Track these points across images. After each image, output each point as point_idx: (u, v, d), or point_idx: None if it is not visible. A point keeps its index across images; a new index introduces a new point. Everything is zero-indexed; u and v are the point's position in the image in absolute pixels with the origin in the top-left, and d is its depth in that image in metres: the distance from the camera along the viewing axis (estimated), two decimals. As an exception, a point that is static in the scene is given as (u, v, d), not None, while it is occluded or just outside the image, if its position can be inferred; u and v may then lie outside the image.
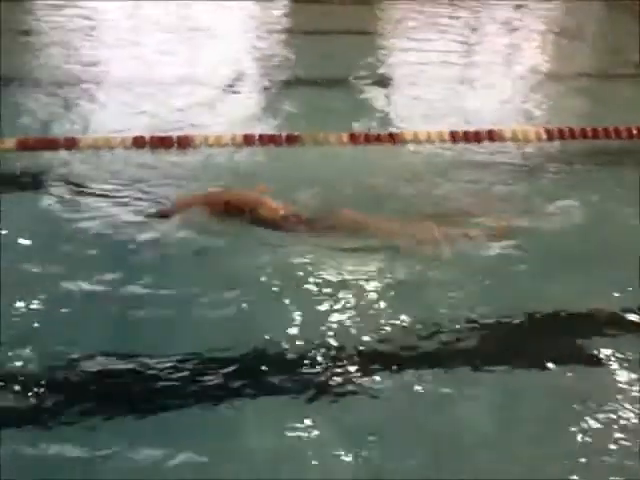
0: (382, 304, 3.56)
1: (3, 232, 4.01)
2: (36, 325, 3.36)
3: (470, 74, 7.54)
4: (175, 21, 9.08)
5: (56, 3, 9.07)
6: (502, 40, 8.92)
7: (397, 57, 7.95)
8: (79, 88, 6.34)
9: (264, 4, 9.88)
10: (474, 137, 5.26)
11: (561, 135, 5.27)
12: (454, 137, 5.24)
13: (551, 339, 3.42)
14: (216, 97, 6.31)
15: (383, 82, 6.96)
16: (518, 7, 10.00)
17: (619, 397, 3.04)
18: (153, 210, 4.26)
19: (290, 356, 3.20)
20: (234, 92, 6.51)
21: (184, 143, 5.06)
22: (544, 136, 5.30)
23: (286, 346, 3.25)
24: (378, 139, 5.22)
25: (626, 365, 3.21)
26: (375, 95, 6.60)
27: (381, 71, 7.28)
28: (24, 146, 4.93)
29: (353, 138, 5.19)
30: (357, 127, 5.55)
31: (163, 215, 4.17)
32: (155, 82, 6.58)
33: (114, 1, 9.37)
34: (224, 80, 6.69)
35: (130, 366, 3.12)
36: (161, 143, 5.05)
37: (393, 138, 5.23)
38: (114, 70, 6.95)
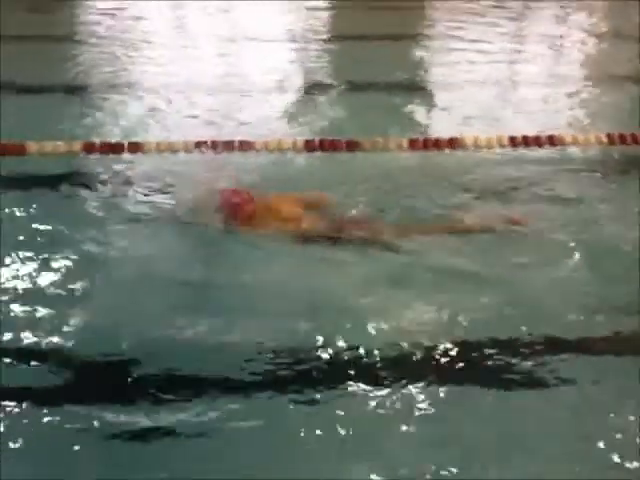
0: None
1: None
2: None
3: (522, 77, 7.52)
4: (218, 27, 9.17)
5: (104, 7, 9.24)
6: (549, 44, 8.87)
7: (445, 61, 7.94)
8: (132, 93, 6.45)
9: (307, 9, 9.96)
10: (534, 142, 5.25)
11: (622, 140, 5.24)
12: (514, 142, 5.24)
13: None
14: (262, 102, 6.38)
15: (434, 86, 6.99)
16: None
17: None
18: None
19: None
20: (279, 97, 6.55)
21: (245, 148, 5.12)
22: (604, 140, 5.28)
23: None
24: (437, 144, 5.24)
25: None
26: (426, 100, 6.64)
27: (432, 75, 7.33)
28: (90, 150, 5.03)
29: (412, 144, 5.21)
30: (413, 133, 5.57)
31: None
32: (203, 87, 6.65)
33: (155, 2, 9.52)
34: (269, 85, 6.76)
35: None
36: (223, 147, 5.12)
37: (453, 143, 5.24)
38: (161, 75, 7.01)
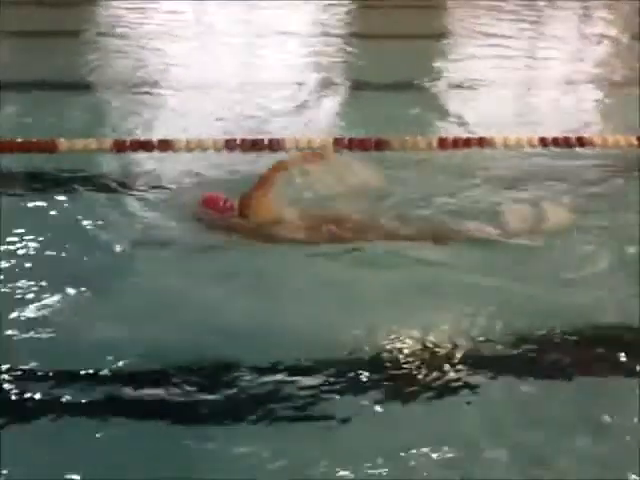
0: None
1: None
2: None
3: (550, 76, 7.49)
4: (243, 25, 9.22)
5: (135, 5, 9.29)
6: (580, 40, 8.84)
7: (472, 60, 7.91)
8: (163, 91, 6.49)
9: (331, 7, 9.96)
10: (564, 142, 5.22)
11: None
12: (544, 142, 5.21)
13: None
14: (287, 100, 6.36)
15: (464, 86, 6.95)
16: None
17: None
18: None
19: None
20: (307, 94, 6.53)
21: (275, 146, 5.12)
22: (635, 142, 5.24)
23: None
24: (467, 143, 5.22)
25: None
26: (455, 99, 6.66)
27: (461, 74, 7.28)
28: (121, 147, 5.05)
29: (442, 143, 5.20)
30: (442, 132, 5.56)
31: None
32: (224, 85, 6.66)
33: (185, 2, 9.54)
34: (297, 82, 6.77)
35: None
36: (252, 146, 5.13)
37: (482, 142, 5.22)
38: (189, 73, 7.06)
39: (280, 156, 4.92)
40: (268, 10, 9.63)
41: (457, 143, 5.19)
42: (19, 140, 5.04)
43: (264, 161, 4.64)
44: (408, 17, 9.48)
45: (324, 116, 6.19)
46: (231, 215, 4.12)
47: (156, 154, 5.01)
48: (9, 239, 3.91)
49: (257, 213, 4.09)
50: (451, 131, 5.57)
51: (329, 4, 10.01)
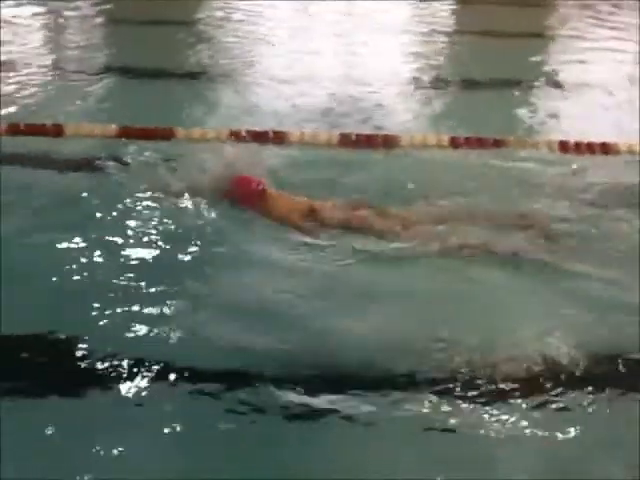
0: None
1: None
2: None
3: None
4: (341, 19, 9.15)
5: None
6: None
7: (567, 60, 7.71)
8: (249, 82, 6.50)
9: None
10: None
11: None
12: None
13: None
14: (396, 97, 6.32)
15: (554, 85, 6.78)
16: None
17: None
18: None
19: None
20: (399, 92, 6.47)
21: (390, 143, 5.05)
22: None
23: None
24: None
25: None
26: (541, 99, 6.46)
27: (554, 74, 7.12)
28: (237, 137, 4.99)
29: (563, 146, 5.03)
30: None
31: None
32: (334, 79, 6.61)
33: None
34: (391, 80, 6.69)
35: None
36: (367, 141, 5.07)
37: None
38: (278, 66, 7.06)
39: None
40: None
41: (580, 147, 5.02)
42: (138, 127, 5.07)
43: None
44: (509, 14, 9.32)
45: (433, 113, 6.09)
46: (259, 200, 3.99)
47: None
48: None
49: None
50: (570, 134, 5.36)
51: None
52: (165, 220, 3.95)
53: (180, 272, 3.57)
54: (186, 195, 4.05)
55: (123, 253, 3.70)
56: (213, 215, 3.98)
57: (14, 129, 5.03)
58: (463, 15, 9.73)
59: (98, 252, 3.67)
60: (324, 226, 3.92)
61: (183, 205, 4.03)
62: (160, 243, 3.80)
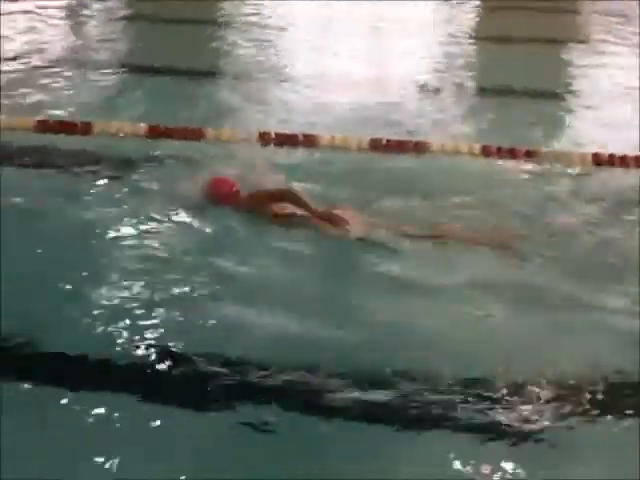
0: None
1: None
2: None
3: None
4: (362, 21, 9.12)
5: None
6: None
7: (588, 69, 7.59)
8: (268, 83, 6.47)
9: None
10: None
11: None
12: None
13: None
14: (425, 103, 6.27)
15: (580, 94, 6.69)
16: None
17: None
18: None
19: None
20: (420, 96, 6.42)
21: (421, 149, 5.00)
22: None
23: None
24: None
25: None
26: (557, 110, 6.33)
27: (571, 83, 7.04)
28: (266, 140, 5.00)
29: (596, 159, 4.96)
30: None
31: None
32: (364, 84, 6.58)
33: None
34: (412, 83, 6.64)
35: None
36: (398, 147, 5.02)
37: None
38: (299, 67, 7.07)
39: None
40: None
41: (612, 160, 4.95)
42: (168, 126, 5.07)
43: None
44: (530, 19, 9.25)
45: (462, 120, 6.02)
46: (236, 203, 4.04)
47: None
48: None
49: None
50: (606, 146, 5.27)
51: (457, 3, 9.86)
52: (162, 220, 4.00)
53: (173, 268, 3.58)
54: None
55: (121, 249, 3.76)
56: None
57: (43, 126, 5.02)
58: (486, 19, 9.66)
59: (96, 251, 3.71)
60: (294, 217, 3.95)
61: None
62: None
